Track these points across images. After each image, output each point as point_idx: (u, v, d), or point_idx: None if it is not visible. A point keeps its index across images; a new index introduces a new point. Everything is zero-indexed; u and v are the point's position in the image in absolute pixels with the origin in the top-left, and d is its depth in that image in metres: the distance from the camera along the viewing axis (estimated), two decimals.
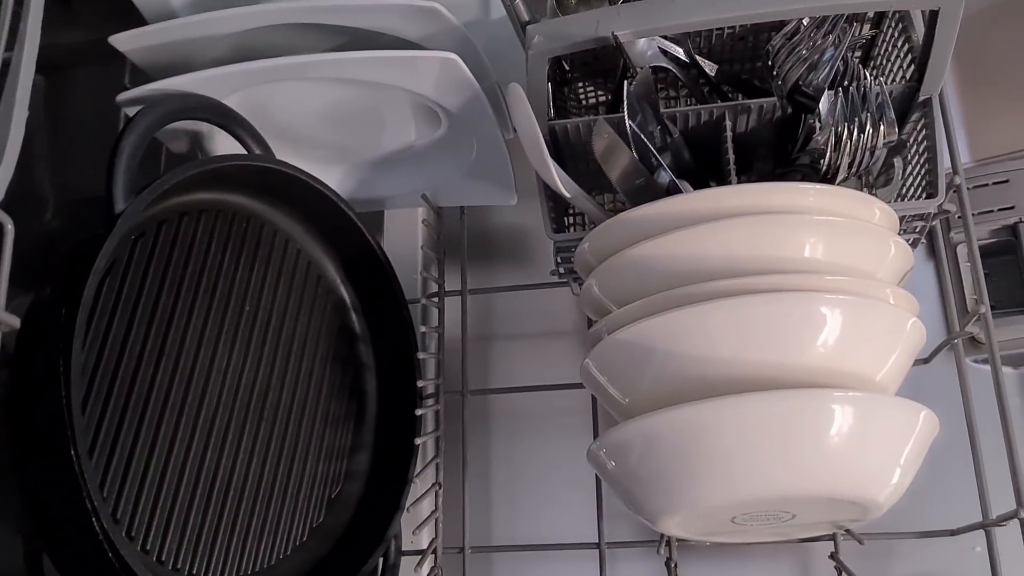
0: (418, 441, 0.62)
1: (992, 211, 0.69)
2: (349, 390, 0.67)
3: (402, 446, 0.66)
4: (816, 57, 0.52)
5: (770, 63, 0.53)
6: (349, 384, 0.67)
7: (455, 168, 0.68)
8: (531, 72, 0.52)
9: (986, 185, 0.69)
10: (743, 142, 0.61)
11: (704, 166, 0.62)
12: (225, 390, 0.58)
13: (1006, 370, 0.70)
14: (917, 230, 0.58)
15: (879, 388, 0.51)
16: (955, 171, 0.56)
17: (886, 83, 0.63)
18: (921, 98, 0.56)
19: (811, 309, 0.48)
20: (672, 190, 0.54)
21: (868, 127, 0.49)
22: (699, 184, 0.62)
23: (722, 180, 0.60)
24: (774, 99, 0.57)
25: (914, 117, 0.58)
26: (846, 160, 0.50)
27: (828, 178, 0.52)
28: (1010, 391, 0.69)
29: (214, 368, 0.57)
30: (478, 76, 0.61)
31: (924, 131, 0.57)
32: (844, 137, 0.50)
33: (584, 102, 0.71)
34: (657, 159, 0.53)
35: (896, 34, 0.60)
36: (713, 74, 0.63)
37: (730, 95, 0.64)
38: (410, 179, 0.70)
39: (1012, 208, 0.68)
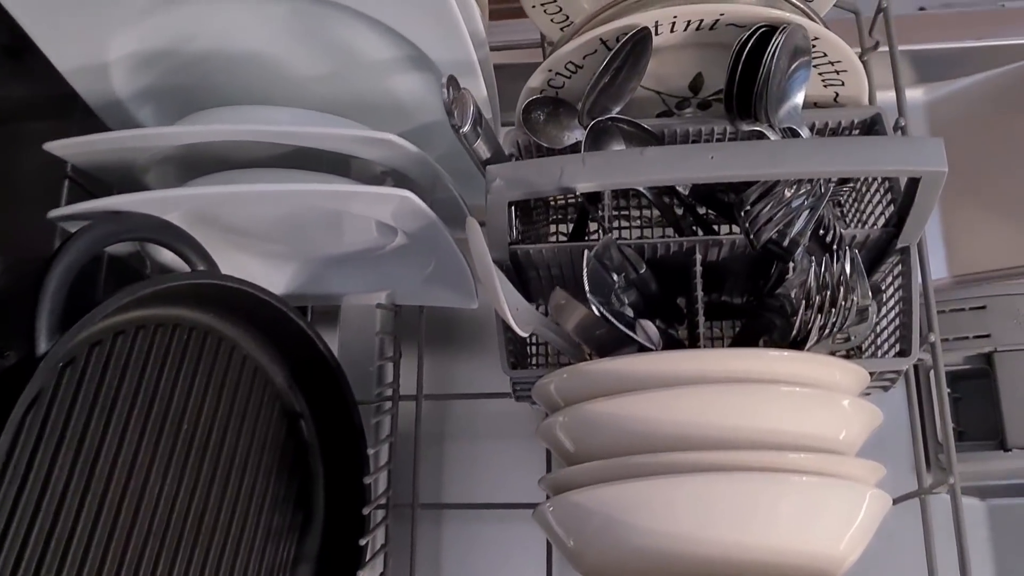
0: (362, 574, 0.59)
1: (967, 337, 0.67)
2: (294, 501, 0.64)
3: (349, 558, 0.63)
4: (791, 215, 0.49)
5: (742, 214, 0.50)
6: (295, 495, 0.64)
7: (414, 273, 0.65)
8: (490, 212, 0.49)
9: (963, 310, 0.67)
10: (715, 267, 0.58)
11: (673, 288, 0.60)
12: (156, 519, 0.54)
13: (974, 502, 0.68)
14: (888, 378, 0.56)
15: (841, 557, 0.49)
16: (931, 327, 0.54)
17: (863, 220, 0.61)
18: (899, 246, 0.53)
19: (774, 490, 0.45)
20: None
21: (840, 298, 0.47)
22: (666, 312, 0.60)
23: (692, 308, 0.57)
24: None
25: (891, 260, 0.55)
26: (817, 325, 0.47)
27: (798, 341, 0.49)
28: (978, 523, 0.68)
29: (145, 497, 0.54)
30: (435, 188, 0.58)
31: (900, 279, 0.55)
32: (815, 307, 0.47)
33: (553, 202, 0.68)
34: (617, 310, 0.50)
35: None
36: (687, 192, 0.61)
37: (703, 214, 0.62)
38: (367, 280, 0.67)
39: (988, 336, 0.66)
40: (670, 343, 0.58)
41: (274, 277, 0.66)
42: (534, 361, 0.62)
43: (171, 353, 0.57)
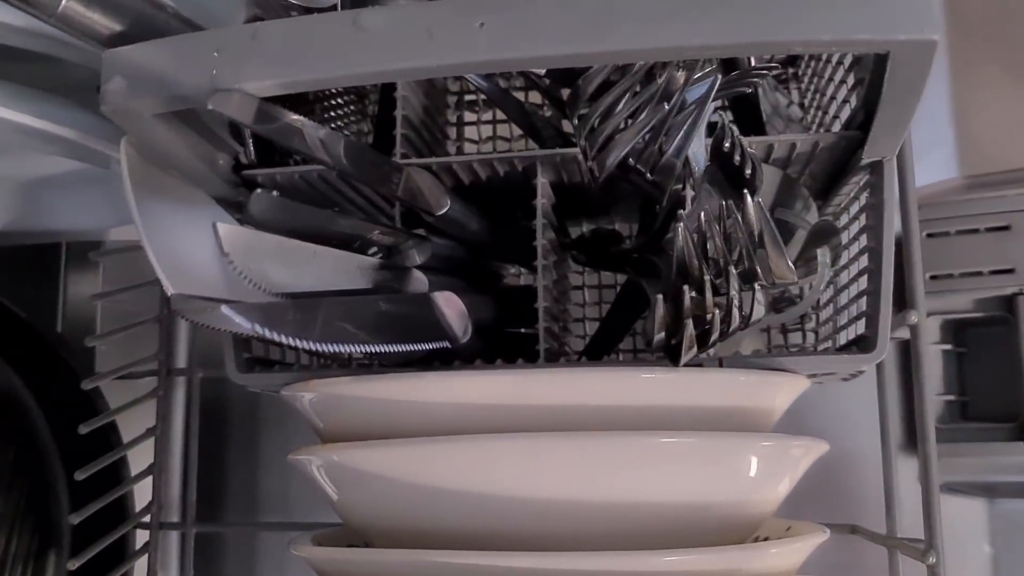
0: None
1: (982, 273, 0.45)
2: (20, 521, 0.47)
3: None
4: (660, 119, 0.28)
5: (575, 120, 0.29)
6: (20, 513, 0.47)
7: None
8: (139, 135, 0.28)
9: (977, 231, 0.46)
10: (583, 189, 0.37)
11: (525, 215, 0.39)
12: None
13: (977, 504, 0.48)
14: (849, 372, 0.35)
15: None
16: (912, 302, 0.33)
17: (825, 109, 0.39)
18: (865, 160, 0.32)
19: None
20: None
21: (731, 284, 0.26)
22: (519, 251, 0.39)
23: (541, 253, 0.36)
24: None
25: (855, 180, 0.34)
26: (689, 335, 0.26)
27: (674, 345, 0.28)
28: (979, 531, 0.48)
29: None
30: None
31: (867, 214, 0.33)
32: (688, 294, 0.26)
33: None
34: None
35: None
36: (543, 72, 0.39)
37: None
38: (108, 209, 0.46)
39: (1011, 272, 0.45)
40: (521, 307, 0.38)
41: None
42: None
43: None
